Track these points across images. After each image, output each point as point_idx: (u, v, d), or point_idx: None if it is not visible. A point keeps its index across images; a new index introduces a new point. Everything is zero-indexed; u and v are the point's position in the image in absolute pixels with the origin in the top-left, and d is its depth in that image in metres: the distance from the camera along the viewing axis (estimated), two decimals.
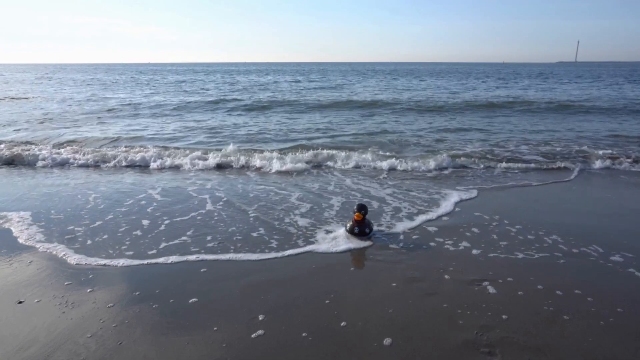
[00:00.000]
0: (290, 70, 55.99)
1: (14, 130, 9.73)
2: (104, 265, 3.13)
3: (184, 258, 3.22)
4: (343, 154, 6.58)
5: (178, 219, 4.05)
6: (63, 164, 6.61)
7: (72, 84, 27.98)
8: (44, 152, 7.03)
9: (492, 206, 4.45)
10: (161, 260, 3.19)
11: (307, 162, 6.36)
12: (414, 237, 3.63)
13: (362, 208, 3.56)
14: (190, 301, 2.63)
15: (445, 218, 4.09)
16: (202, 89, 22.96)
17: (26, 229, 3.82)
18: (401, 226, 3.86)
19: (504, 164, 6.25)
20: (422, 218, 4.08)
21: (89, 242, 3.54)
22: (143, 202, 4.60)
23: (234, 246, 3.44)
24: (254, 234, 3.69)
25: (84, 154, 6.93)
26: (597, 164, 6.27)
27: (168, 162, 6.48)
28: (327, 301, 2.62)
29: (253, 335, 2.28)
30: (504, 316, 2.44)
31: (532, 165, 6.27)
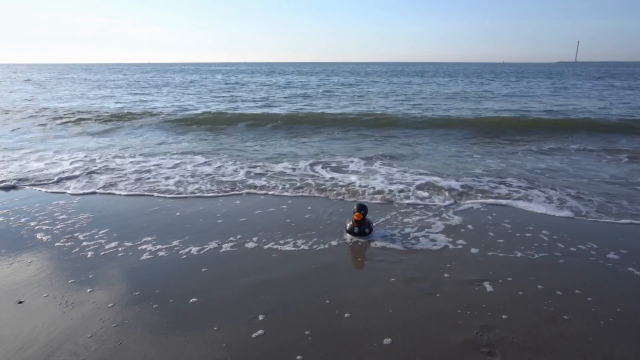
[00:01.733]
0: (321, 71, 52.83)
1: None
2: None
3: None
4: None
5: None
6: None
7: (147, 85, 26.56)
8: None
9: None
10: None
11: None
12: (414, 237, 3.63)
13: (362, 208, 3.56)
14: (190, 301, 2.63)
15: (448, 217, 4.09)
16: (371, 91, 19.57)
17: None
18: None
19: None
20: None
21: None
22: None
23: None
24: None
25: None
26: None
27: None
28: (327, 301, 2.62)
29: (253, 335, 2.29)
30: (504, 316, 2.44)
31: None
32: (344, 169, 6.09)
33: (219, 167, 6.21)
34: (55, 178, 5.60)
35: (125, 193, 5.01)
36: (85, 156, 6.95)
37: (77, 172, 5.90)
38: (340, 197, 4.79)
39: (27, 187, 5.27)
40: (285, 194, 4.93)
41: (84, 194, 4.99)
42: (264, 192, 5.00)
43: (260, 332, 2.32)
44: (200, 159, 6.77)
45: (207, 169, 6.08)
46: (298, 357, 2.12)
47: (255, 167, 6.19)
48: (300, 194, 4.92)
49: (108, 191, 5.08)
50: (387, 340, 2.23)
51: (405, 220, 4.03)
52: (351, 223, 3.62)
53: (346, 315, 2.47)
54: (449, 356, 2.12)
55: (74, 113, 12.70)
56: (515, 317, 2.43)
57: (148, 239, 3.59)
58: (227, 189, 5.11)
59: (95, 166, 6.26)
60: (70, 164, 6.45)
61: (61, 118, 11.88)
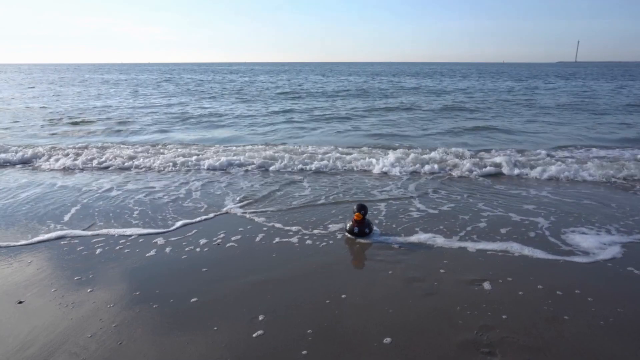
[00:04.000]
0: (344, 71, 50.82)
1: None
2: None
3: None
4: None
5: None
6: None
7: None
8: None
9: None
10: None
11: None
12: (414, 237, 3.63)
13: (361, 208, 3.56)
14: (190, 301, 2.63)
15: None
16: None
17: None
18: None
19: None
20: None
21: None
22: None
23: None
24: None
25: None
26: None
27: None
28: (327, 301, 2.62)
29: (253, 335, 2.28)
30: (504, 316, 2.44)
31: None
32: None
33: None
34: None
35: None
36: None
37: None
38: None
39: None
40: None
41: None
42: None
43: (260, 332, 2.31)
44: None
45: None
46: (298, 357, 2.12)
47: None
48: None
49: None
50: (387, 340, 2.23)
51: (406, 220, 4.03)
52: (351, 223, 3.62)
53: (346, 315, 2.47)
54: (449, 356, 2.12)
55: None
56: (515, 317, 2.43)
57: None
58: None
59: None
60: None
61: None
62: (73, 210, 4.37)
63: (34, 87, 26.15)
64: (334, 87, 24.96)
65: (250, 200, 4.66)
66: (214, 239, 3.60)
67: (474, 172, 5.79)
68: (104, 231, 3.78)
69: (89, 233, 3.75)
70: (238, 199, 4.71)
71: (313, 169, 6.09)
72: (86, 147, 7.74)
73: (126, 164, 6.44)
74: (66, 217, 4.15)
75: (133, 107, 14.92)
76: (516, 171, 5.79)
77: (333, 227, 3.84)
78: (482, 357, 2.11)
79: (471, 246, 3.41)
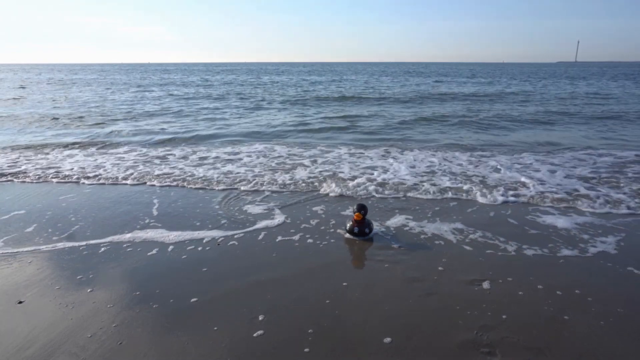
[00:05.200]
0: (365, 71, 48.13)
1: None
2: None
3: None
4: None
5: None
6: None
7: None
8: None
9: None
10: None
11: None
12: (414, 237, 3.63)
13: (362, 208, 3.56)
14: (190, 301, 2.63)
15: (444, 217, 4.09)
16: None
17: None
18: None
19: None
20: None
21: None
22: None
23: None
24: None
25: None
26: None
27: None
28: (327, 301, 2.62)
29: (254, 335, 2.28)
30: (504, 316, 2.44)
31: None
32: None
33: None
34: None
35: None
36: None
37: None
38: None
39: None
40: None
41: None
42: None
43: (260, 332, 2.31)
44: None
45: None
46: (298, 357, 2.12)
47: None
48: None
49: None
50: (387, 340, 2.23)
51: (406, 219, 4.02)
52: (351, 223, 3.61)
53: (346, 315, 2.47)
54: (449, 356, 2.12)
55: None
56: (515, 317, 2.43)
57: None
58: None
59: None
60: None
61: None
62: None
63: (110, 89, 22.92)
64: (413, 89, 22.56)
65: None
66: (216, 238, 3.60)
67: None
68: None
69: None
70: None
71: None
72: None
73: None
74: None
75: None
76: None
77: (333, 226, 3.85)
78: (482, 357, 2.11)
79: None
